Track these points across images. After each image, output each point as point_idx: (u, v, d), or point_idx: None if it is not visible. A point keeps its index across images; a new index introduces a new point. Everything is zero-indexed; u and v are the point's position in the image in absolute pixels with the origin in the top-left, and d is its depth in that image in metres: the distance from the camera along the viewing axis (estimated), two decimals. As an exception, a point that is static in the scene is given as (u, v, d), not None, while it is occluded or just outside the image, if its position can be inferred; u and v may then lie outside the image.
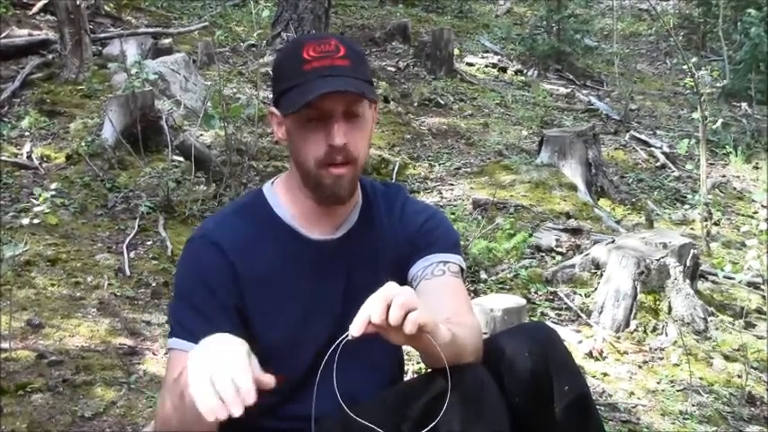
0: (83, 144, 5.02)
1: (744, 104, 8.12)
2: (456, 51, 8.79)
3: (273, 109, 1.60)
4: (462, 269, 1.68)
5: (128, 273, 3.78)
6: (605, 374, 3.24)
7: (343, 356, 1.60)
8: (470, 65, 9.10)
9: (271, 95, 1.66)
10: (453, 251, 1.66)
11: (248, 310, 1.56)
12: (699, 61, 7.75)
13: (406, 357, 3.07)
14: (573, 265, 4.06)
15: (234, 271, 1.55)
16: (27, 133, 5.45)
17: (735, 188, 6.36)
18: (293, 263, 1.59)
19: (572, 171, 5.49)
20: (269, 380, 1.28)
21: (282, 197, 1.63)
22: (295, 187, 1.62)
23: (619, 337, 3.52)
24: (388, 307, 1.27)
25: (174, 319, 1.58)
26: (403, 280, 1.58)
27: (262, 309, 1.52)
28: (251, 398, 1.22)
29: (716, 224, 5.18)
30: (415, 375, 2.78)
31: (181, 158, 4.92)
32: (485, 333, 3.06)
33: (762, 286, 3.98)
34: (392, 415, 1.45)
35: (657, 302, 3.61)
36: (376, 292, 1.30)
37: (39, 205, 4.19)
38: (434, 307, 1.42)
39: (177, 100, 5.87)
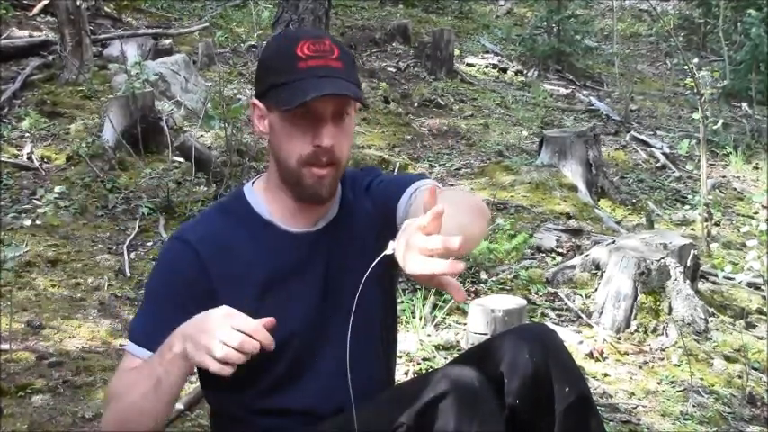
0: (83, 145, 5.02)
1: (744, 105, 8.13)
2: (456, 52, 8.79)
3: (257, 101, 1.57)
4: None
5: (128, 274, 3.78)
6: (606, 375, 3.24)
7: (325, 348, 1.60)
8: (471, 65, 9.11)
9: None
10: (425, 178, 1.61)
11: (222, 306, 1.52)
12: (699, 62, 7.75)
13: (406, 358, 3.09)
14: (573, 266, 4.06)
15: (204, 270, 1.54)
16: (27, 134, 5.46)
17: (735, 189, 6.36)
18: (272, 256, 1.57)
19: (572, 172, 5.49)
20: (268, 321, 1.39)
21: (262, 196, 1.62)
22: (273, 185, 1.60)
23: (619, 338, 3.52)
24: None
25: (135, 321, 1.59)
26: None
27: (238, 304, 1.49)
28: (261, 336, 1.36)
29: (716, 225, 5.18)
30: (415, 375, 2.78)
31: (181, 159, 4.92)
32: (485, 334, 3.07)
33: (762, 287, 3.97)
34: (388, 418, 1.44)
35: (658, 303, 3.60)
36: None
37: (41, 207, 4.19)
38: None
39: (177, 101, 5.87)
